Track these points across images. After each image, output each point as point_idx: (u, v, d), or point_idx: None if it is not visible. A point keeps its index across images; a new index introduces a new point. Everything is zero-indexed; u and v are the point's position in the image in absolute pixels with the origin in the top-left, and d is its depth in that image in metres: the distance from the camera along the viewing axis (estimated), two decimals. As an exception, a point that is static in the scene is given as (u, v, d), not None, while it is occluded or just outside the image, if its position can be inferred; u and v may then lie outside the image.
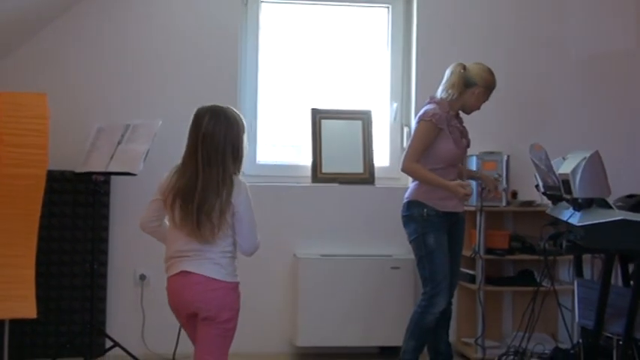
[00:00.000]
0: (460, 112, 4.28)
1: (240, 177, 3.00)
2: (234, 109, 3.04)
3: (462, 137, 4.22)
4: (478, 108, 4.26)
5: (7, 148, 4.16)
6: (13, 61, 4.84)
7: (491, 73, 4.21)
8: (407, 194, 4.19)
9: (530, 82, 5.28)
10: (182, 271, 2.97)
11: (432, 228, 4.07)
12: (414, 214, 4.12)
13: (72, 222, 4.77)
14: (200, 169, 2.92)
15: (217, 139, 2.93)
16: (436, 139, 4.10)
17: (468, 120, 4.34)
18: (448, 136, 4.11)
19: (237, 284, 3.02)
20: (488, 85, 4.20)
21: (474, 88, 4.17)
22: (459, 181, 4.06)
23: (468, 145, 4.29)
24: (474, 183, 4.62)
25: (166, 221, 3.07)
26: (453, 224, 4.18)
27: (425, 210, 4.08)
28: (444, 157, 4.11)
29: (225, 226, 2.95)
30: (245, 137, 3.03)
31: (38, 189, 4.25)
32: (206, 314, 2.96)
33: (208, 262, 2.95)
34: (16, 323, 4.47)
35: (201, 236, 2.92)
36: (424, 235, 4.08)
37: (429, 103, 4.19)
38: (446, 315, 4.27)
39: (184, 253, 2.96)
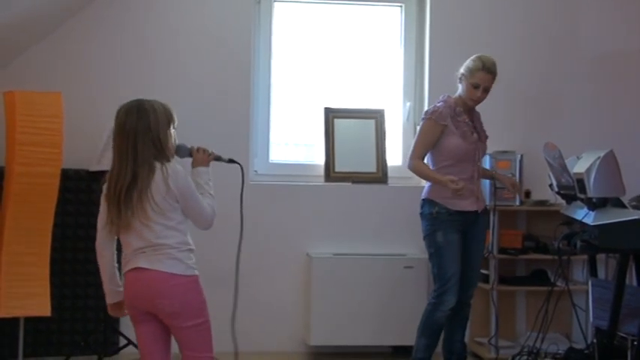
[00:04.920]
0: (476, 108, 4.28)
1: (174, 163, 2.93)
2: (159, 101, 2.96)
3: (473, 132, 4.20)
4: (474, 98, 4.15)
5: (22, 146, 4.19)
6: (27, 60, 4.86)
7: (474, 58, 4.14)
8: (422, 192, 4.23)
9: (544, 80, 5.26)
10: (137, 268, 2.89)
11: (442, 226, 4.10)
12: (425, 212, 4.17)
13: (86, 220, 4.78)
14: (115, 163, 2.89)
15: (128, 130, 2.87)
16: (442, 136, 4.12)
17: (482, 119, 4.33)
18: (454, 131, 4.12)
19: (196, 277, 2.94)
20: (469, 69, 4.13)
21: (462, 78, 4.17)
22: (450, 176, 4.02)
23: (481, 140, 4.25)
24: (487, 182, 4.63)
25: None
26: (470, 223, 4.18)
27: (435, 208, 4.12)
28: (451, 153, 4.13)
29: (166, 213, 2.87)
30: (171, 127, 2.95)
31: (52, 188, 4.28)
32: (169, 310, 2.87)
33: (165, 257, 2.87)
34: (30, 321, 4.49)
35: (124, 225, 2.87)
36: (434, 233, 4.13)
37: (439, 101, 4.23)
38: (462, 315, 4.27)
39: (139, 250, 2.89)
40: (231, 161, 3.21)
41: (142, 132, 2.88)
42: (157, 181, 2.86)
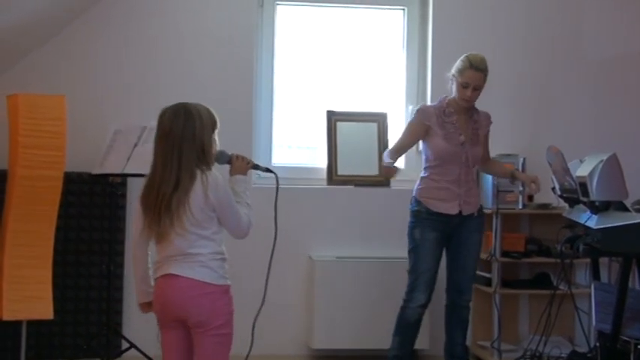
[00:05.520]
0: (478, 109, 4.27)
1: (214, 171, 2.89)
2: (203, 105, 2.92)
3: (460, 134, 4.15)
4: (465, 98, 4.11)
5: (25, 149, 4.20)
6: (30, 63, 4.87)
7: (462, 58, 4.13)
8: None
9: (547, 83, 5.26)
10: (168, 274, 2.86)
11: (420, 224, 4.17)
12: (410, 209, 4.24)
13: (88, 223, 4.79)
14: (158, 168, 2.84)
15: (174, 134, 2.82)
16: (428, 136, 4.17)
17: (485, 122, 4.34)
18: (438, 132, 4.13)
19: (228, 287, 2.91)
20: (458, 69, 4.14)
21: (453, 79, 4.17)
22: (390, 160, 4.21)
23: (471, 143, 4.17)
24: (489, 184, 4.63)
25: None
26: (454, 226, 4.18)
27: (417, 206, 4.19)
28: (435, 154, 4.16)
29: (202, 224, 2.84)
30: (215, 133, 2.92)
31: (55, 190, 4.28)
32: (197, 319, 2.85)
33: (197, 265, 2.84)
34: (33, 324, 4.49)
35: (162, 233, 2.83)
36: (412, 230, 4.20)
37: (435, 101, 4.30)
38: (461, 317, 4.26)
39: (171, 258, 2.86)
40: (267, 170, 3.20)
41: (188, 137, 2.82)
42: (196, 190, 2.82)
